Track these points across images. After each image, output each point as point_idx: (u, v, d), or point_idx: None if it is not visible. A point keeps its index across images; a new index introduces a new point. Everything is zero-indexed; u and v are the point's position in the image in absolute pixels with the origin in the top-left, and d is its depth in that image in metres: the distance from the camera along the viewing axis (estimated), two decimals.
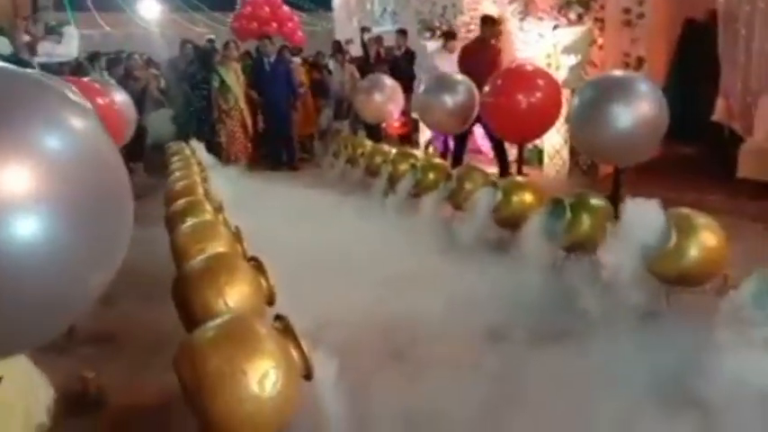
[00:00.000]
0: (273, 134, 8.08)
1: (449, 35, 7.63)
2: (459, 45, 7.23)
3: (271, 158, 8.12)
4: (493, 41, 6.54)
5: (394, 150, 5.68)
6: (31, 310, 1.32)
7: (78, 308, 1.50)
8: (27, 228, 1.28)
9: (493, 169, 5.78)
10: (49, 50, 3.85)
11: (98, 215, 1.41)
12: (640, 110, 3.83)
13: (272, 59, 7.87)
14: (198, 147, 6.42)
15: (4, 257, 1.25)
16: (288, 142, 8.06)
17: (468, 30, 8.28)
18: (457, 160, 6.32)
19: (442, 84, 6.06)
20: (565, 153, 6.50)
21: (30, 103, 1.43)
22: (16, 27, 3.78)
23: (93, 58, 8.10)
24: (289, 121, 7.99)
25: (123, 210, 1.53)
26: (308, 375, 1.86)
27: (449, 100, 5.87)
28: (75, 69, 6.76)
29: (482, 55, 6.34)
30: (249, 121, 7.86)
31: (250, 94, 7.88)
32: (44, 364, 2.68)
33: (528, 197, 3.82)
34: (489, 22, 6.51)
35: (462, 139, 6.63)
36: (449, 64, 6.96)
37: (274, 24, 12.90)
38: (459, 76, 6.14)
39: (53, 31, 4.42)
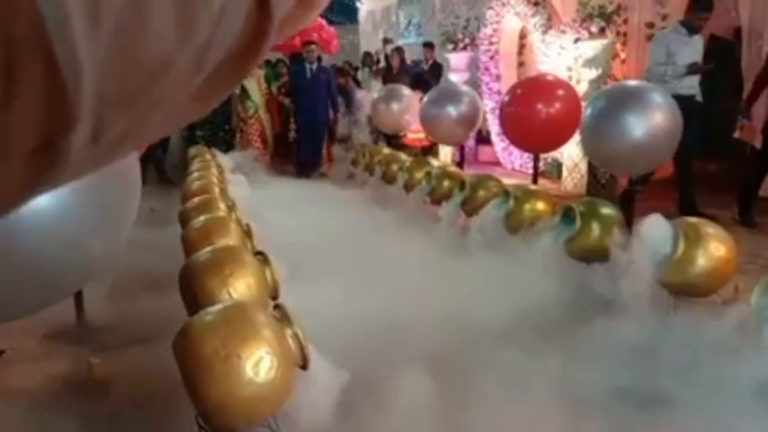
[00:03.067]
0: (307, 142, 7.96)
1: None
2: None
3: (299, 166, 8.09)
4: None
5: (410, 158, 5.73)
6: (39, 273, 1.39)
7: (81, 274, 1.56)
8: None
9: (510, 180, 5.79)
10: None
11: (104, 189, 1.48)
12: (653, 119, 3.82)
13: (315, 67, 7.82)
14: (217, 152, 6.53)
15: (14, 222, 1.32)
16: (317, 151, 8.00)
17: (491, 42, 8.33)
18: None
19: (447, 95, 6.11)
20: (583, 167, 6.47)
21: None
22: None
23: None
24: (323, 133, 7.95)
25: (129, 188, 1.60)
26: (303, 365, 1.89)
27: (453, 110, 5.91)
28: None
29: None
30: (269, 131, 7.90)
31: (278, 101, 7.91)
32: (52, 349, 2.77)
33: (540, 205, 3.82)
34: None
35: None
36: None
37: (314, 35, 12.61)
38: (465, 87, 6.17)
39: None
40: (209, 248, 2.45)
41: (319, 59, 8.45)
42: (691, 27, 5.11)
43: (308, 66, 7.81)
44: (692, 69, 4.99)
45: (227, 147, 7.51)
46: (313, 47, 7.95)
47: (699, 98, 5.15)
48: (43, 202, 1.35)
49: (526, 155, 7.38)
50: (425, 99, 6.63)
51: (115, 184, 1.55)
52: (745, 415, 2.03)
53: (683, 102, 4.78)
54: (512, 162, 8.09)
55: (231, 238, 2.79)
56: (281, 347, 1.76)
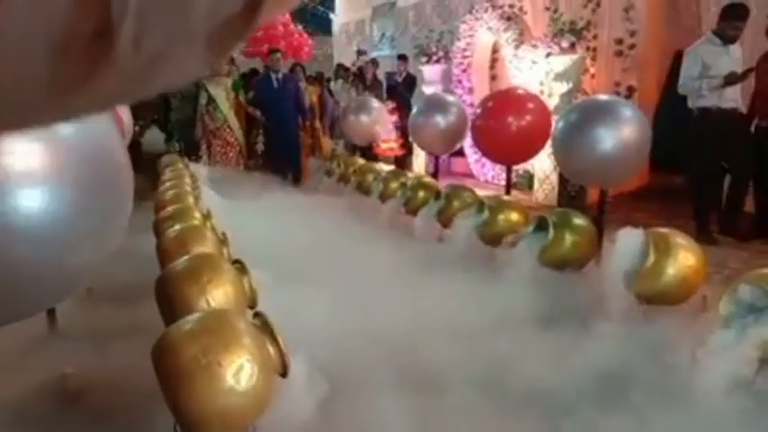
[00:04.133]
0: (279, 154, 7.74)
1: None
2: None
3: (276, 178, 7.80)
4: None
5: (386, 168, 5.77)
6: (30, 277, 1.38)
7: (72, 281, 1.55)
8: (32, 199, 1.38)
9: (482, 192, 5.86)
10: None
11: (96, 195, 1.48)
12: (623, 133, 3.92)
13: (281, 76, 7.57)
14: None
15: (11, 225, 1.33)
16: (294, 164, 7.78)
17: (464, 56, 8.45)
18: None
19: (434, 105, 6.18)
20: (554, 178, 6.59)
21: None
22: None
23: None
24: (297, 142, 7.72)
25: (121, 195, 1.60)
26: (283, 373, 1.89)
27: (441, 121, 5.98)
28: None
29: None
30: (241, 140, 7.78)
31: (247, 112, 7.77)
32: (25, 360, 2.72)
33: (514, 216, 3.89)
34: None
35: None
36: None
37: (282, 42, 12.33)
38: (452, 98, 6.24)
39: None
40: (185, 257, 2.44)
41: (297, 67, 8.43)
42: (725, 37, 4.78)
43: (273, 75, 7.56)
44: (729, 80, 4.71)
45: (192, 160, 7.39)
46: (278, 55, 7.71)
47: (741, 109, 4.88)
48: (34, 209, 1.35)
49: (498, 167, 7.48)
50: (415, 108, 6.65)
51: (106, 197, 1.55)
52: (707, 420, 2.09)
53: (726, 116, 4.71)
54: (484, 174, 8.19)
55: (207, 247, 2.78)
56: (261, 355, 1.76)
